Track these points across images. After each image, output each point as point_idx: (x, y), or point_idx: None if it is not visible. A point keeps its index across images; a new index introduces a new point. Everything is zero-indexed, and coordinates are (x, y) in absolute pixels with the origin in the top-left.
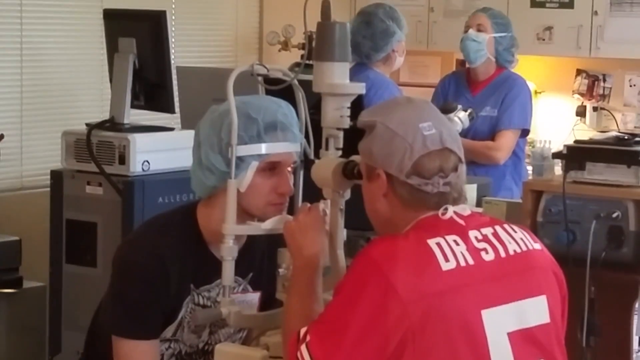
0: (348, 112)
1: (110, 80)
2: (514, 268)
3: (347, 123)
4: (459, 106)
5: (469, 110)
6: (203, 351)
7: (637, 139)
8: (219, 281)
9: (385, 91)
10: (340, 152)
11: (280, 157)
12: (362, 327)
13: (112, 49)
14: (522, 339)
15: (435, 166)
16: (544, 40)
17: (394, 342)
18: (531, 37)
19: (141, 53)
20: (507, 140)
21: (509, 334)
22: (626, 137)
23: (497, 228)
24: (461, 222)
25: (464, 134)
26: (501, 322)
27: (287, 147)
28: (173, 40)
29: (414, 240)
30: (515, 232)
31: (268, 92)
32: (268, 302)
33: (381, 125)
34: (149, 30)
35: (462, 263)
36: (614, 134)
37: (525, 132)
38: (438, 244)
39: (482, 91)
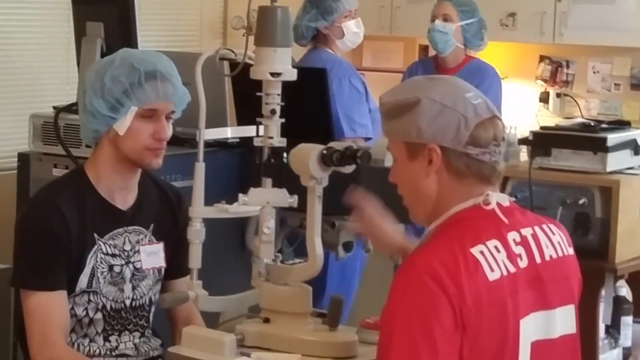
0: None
1: (78, 64)
2: (549, 276)
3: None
4: None
5: None
6: (132, 307)
7: (603, 125)
8: (122, 229)
9: (340, 69)
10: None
11: (159, 105)
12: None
13: (80, 33)
14: (542, 349)
15: (490, 134)
16: (507, 26)
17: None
18: (495, 23)
19: (109, 37)
20: None
21: (532, 343)
22: (592, 124)
23: (537, 229)
24: (503, 218)
25: None
26: (530, 330)
27: (165, 96)
28: (139, 24)
29: (458, 248)
30: (554, 234)
31: (248, 79)
32: (174, 253)
33: (426, 99)
34: (117, 15)
35: (504, 272)
36: (580, 120)
37: None
38: (482, 253)
39: None
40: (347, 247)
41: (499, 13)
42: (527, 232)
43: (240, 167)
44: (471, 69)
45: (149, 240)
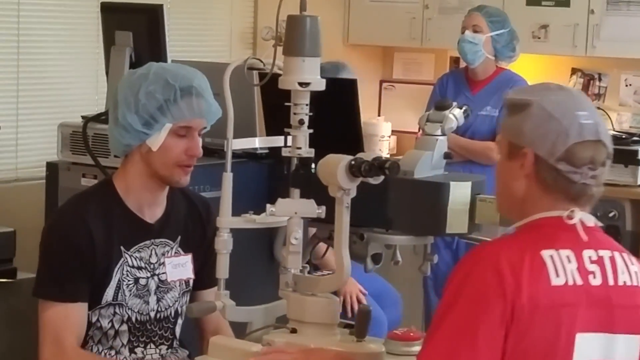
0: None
1: (107, 73)
2: (620, 301)
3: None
4: (454, 103)
5: (464, 108)
6: (157, 319)
7: (634, 138)
8: (149, 242)
9: None
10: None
11: (193, 122)
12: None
13: (109, 42)
14: None
15: (587, 156)
16: (539, 38)
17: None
18: (527, 35)
19: (138, 47)
20: None
21: None
22: (624, 137)
23: (616, 254)
24: (583, 235)
25: (462, 132)
26: (589, 348)
27: (199, 113)
28: (168, 34)
29: (529, 248)
30: (632, 264)
31: (277, 89)
32: (204, 264)
33: (537, 105)
34: (146, 24)
35: (570, 282)
36: (612, 133)
37: None
38: (551, 257)
39: (482, 90)
40: (376, 259)
41: (531, 25)
42: (605, 253)
43: (269, 178)
44: (502, 80)
45: (175, 252)
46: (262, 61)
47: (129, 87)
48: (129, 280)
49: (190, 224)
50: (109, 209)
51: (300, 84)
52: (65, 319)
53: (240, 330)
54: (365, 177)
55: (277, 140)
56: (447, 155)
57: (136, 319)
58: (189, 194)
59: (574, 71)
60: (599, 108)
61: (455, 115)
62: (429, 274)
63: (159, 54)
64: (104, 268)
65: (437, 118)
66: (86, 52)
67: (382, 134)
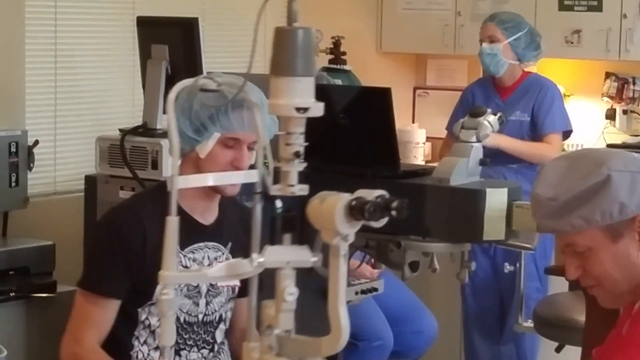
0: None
1: (143, 87)
2: None
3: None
4: (488, 110)
5: (498, 114)
6: (204, 322)
7: None
8: (202, 244)
9: None
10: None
11: (241, 135)
12: None
13: (145, 55)
14: None
15: None
16: (572, 43)
17: None
18: (559, 40)
19: (173, 59)
20: (558, 142)
21: None
22: None
23: None
24: None
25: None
26: None
27: (249, 126)
28: (203, 46)
29: None
30: None
31: None
32: None
33: (615, 172)
34: (182, 37)
35: None
36: None
37: (567, 134)
38: None
39: (511, 95)
40: (414, 266)
41: (564, 30)
42: None
43: None
44: (529, 83)
45: (226, 258)
46: (216, 80)
47: (188, 92)
48: None
49: (240, 232)
50: (165, 209)
51: (298, 109)
52: (94, 310)
53: None
54: (368, 220)
55: (248, 176)
56: (482, 162)
57: (184, 319)
58: (241, 204)
59: (607, 75)
60: (632, 111)
61: (490, 122)
62: (467, 281)
63: (194, 66)
64: (155, 265)
65: (471, 125)
66: (123, 66)
67: (416, 141)
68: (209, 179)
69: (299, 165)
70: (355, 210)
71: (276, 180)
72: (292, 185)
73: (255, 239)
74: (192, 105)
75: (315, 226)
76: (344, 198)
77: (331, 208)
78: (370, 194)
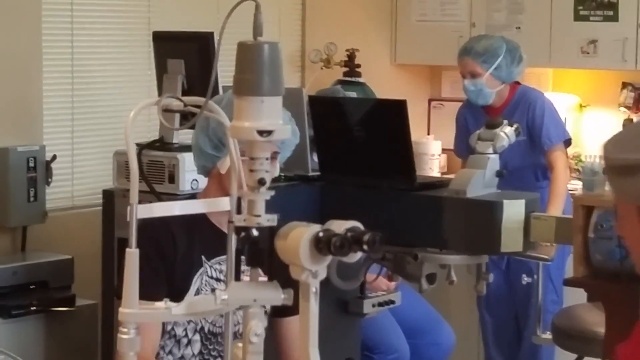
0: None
1: None
2: None
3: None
4: (505, 121)
5: (515, 125)
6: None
7: None
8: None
9: None
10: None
11: None
12: None
13: (161, 70)
14: None
15: None
16: (588, 53)
17: None
18: (575, 50)
19: (189, 74)
20: (560, 157)
21: None
22: None
23: None
24: None
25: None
26: None
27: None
28: (219, 61)
29: None
30: None
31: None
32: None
33: None
34: (197, 52)
35: None
36: None
37: (568, 142)
38: None
39: (500, 115)
40: (431, 279)
41: (580, 40)
42: None
43: (321, 201)
44: (517, 101)
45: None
46: (181, 100)
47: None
48: (206, 291)
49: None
50: (193, 220)
51: (260, 132)
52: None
53: None
54: (336, 255)
55: (219, 204)
56: (499, 174)
57: (209, 329)
58: None
59: (624, 85)
60: None
61: (506, 133)
62: (484, 293)
63: (210, 80)
64: (183, 274)
65: (488, 136)
66: (139, 80)
67: (432, 153)
68: (175, 209)
69: (266, 194)
70: (321, 245)
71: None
72: (259, 216)
73: (230, 270)
74: (209, 123)
75: (282, 259)
76: (311, 230)
77: (296, 242)
78: (341, 226)
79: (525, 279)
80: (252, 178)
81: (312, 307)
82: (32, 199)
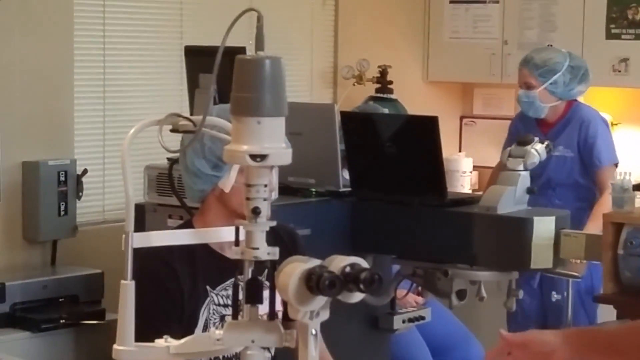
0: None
1: (191, 116)
2: None
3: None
4: (536, 138)
5: (545, 143)
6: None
7: None
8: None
9: None
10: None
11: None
12: None
13: (193, 84)
14: None
15: None
16: (619, 72)
17: None
18: (607, 69)
19: (221, 88)
20: (609, 178)
21: None
22: None
23: None
24: None
25: (538, 176)
26: None
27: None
28: None
29: None
30: None
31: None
32: None
33: None
34: (229, 66)
35: None
36: None
37: (616, 165)
38: None
39: (553, 129)
40: (461, 295)
41: (611, 59)
42: None
43: (351, 217)
44: (571, 117)
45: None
46: (190, 119)
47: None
48: (215, 319)
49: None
50: (191, 251)
51: (253, 156)
52: None
53: None
54: (327, 295)
55: (209, 235)
56: (530, 190)
57: (223, 356)
58: (283, 230)
59: None
60: None
61: (537, 150)
62: (514, 309)
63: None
64: (191, 311)
65: (519, 153)
66: (170, 95)
67: (463, 170)
68: (168, 238)
69: (264, 225)
70: (312, 283)
71: None
72: (257, 249)
73: (235, 307)
74: (203, 144)
75: (282, 297)
76: (303, 267)
77: (287, 278)
78: (338, 265)
79: (555, 296)
80: (247, 206)
81: (311, 352)
82: (62, 213)
